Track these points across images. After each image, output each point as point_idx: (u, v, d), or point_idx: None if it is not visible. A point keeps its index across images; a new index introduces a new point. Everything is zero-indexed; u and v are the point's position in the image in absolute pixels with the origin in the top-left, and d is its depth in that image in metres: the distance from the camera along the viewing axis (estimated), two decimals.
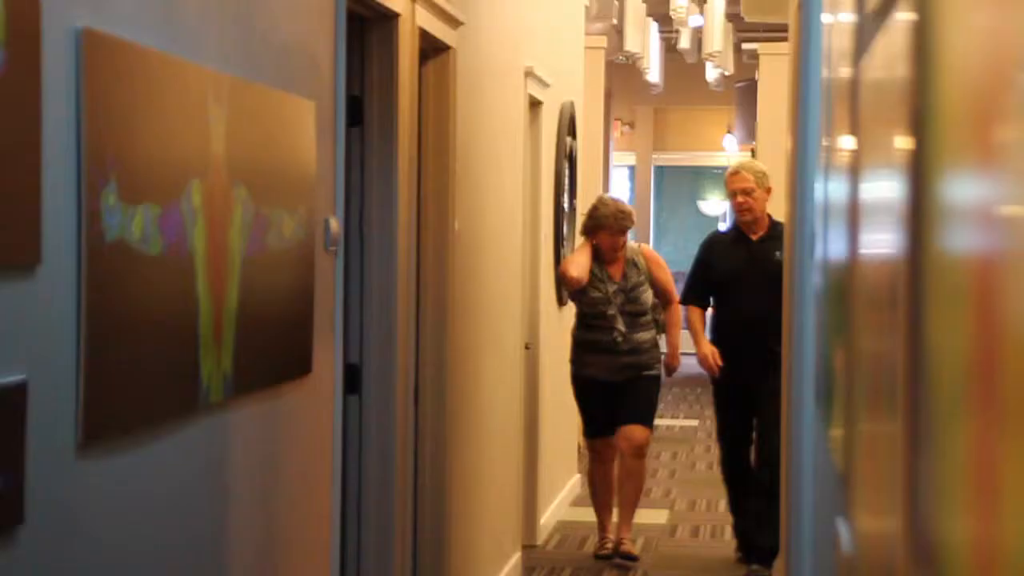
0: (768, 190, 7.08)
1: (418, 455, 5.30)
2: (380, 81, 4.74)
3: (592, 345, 7.35)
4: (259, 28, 3.50)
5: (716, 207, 20.38)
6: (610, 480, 7.53)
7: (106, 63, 2.59)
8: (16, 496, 2.29)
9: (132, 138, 2.70)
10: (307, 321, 3.82)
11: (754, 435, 7.19)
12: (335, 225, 4.10)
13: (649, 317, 7.36)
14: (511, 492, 6.83)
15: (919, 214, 1.33)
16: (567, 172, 8.73)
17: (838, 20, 2.82)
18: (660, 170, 20.00)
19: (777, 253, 6.72)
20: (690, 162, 20.22)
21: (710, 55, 12.47)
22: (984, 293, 0.99)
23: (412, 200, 5.03)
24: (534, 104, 7.75)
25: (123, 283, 2.68)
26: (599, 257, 7.37)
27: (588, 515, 7.90)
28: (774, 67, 12.11)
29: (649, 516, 8.48)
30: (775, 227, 7.00)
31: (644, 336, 7.36)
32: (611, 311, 7.28)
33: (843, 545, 2.20)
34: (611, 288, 7.32)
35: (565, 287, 7.73)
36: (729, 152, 19.55)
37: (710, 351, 7.07)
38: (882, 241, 1.71)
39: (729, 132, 19.08)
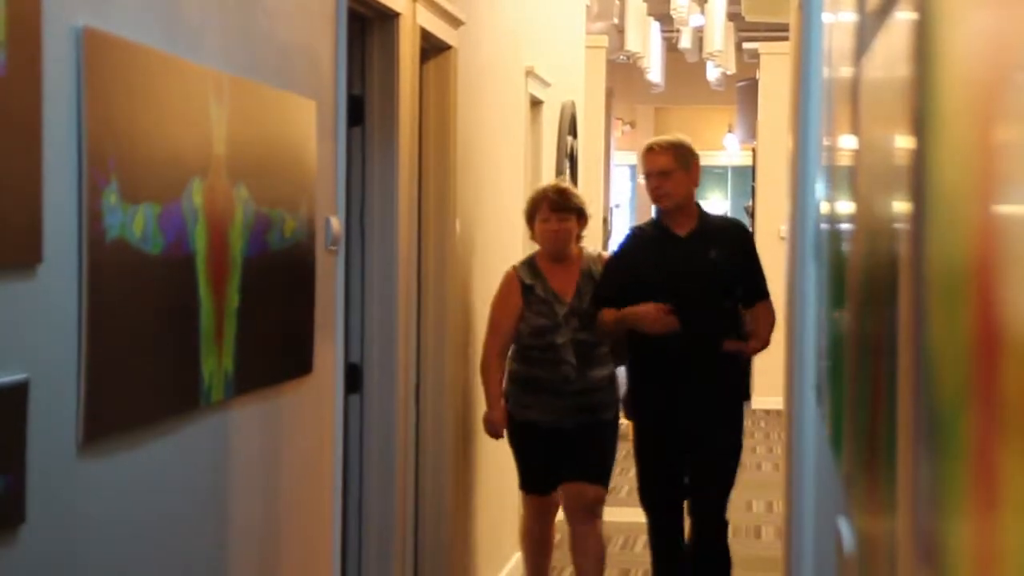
0: (692, 170, 5.50)
1: (419, 454, 5.30)
2: (381, 80, 4.74)
3: (534, 383, 5.65)
4: (260, 27, 3.50)
5: (719, 207, 20.37)
6: (549, 541, 5.99)
7: (107, 62, 2.59)
8: (18, 495, 2.29)
9: (133, 137, 2.70)
10: (308, 320, 3.82)
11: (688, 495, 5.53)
12: (336, 224, 4.10)
13: (606, 347, 5.66)
14: (511, 492, 6.84)
15: (920, 213, 1.33)
16: (568, 171, 8.73)
17: (839, 19, 2.82)
18: None
19: (712, 252, 5.39)
20: None
21: (711, 54, 12.47)
22: (984, 293, 0.99)
23: (413, 199, 5.03)
24: (535, 103, 7.75)
25: (124, 282, 2.68)
26: (539, 273, 5.69)
27: None
28: (775, 66, 12.11)
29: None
30: (707, 220, 5.53)
31: (601, 373, 5.69)
32: (560, 340, 5.61)
33: (844, 545, 2.20)
34: (560, 311, 5.64)
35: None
36: (730, 151, 19.55)
37: (654, 306, 5.31)
38: (882, 241, 1.71)
39: (730, 131, 19.09)
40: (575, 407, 5.64)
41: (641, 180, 5.87)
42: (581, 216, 5.76)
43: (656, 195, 5.49)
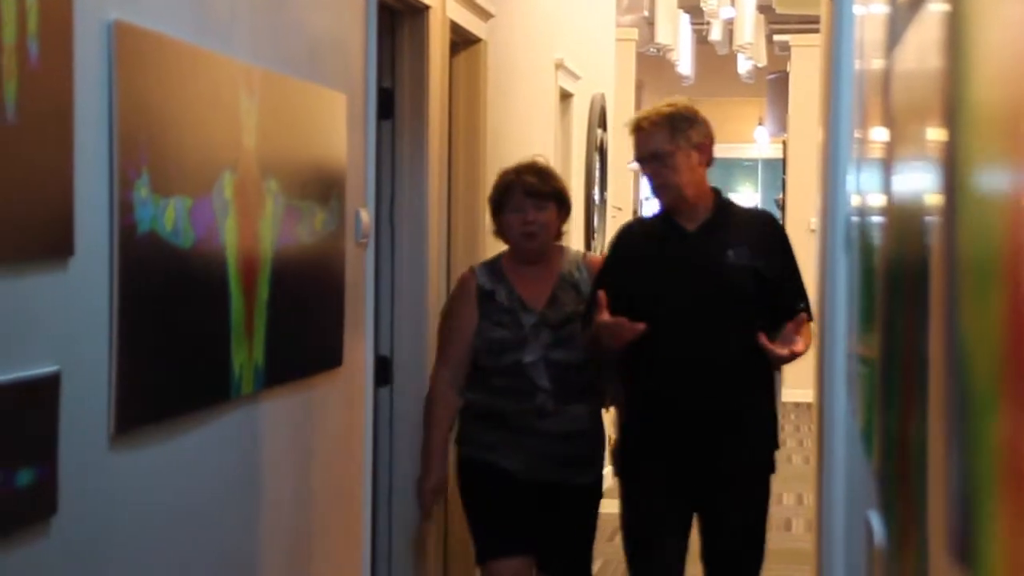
0: (698, 145, 4.05)
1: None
2: (411, 73, 4.74)
3: (498, 418, 4.22)
4: (290, 20, 3.51)
5: (749, 200, 20.33)
6: None
7: (138, 56, 2.60)
8: (50, 486, 2.30)
9: (164, 131, 2.71)
10: (338, 313, 3.83)
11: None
12: (366, 217, 4.10)
13: (590, 371, 4.24)
14: None
15: (952, 206, 1.32)
16: (598, 165, 8.71)
17: (870, 11, 2.81)
18: None
19: (730, 252, 3.97)
20: (721, 154, 20.17)
21: (742, 47, 12.44)
22: (1017, 284, 0.98)
23: (443, 192, 5.03)
24: (565, 96, 7.74)
25: (155, 275, 2.68)
26: (502, 277, 4.33)
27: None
28: (806, 58, 12.07)
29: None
30: (726, 210, 4.11)
31: (582, 408, 4.24)
32: (528, 358, 4.20)
33: (875, 538, 2.19)
34: (527, 320, 4.24)
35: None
36: (761, 144, 19.50)
37: (612, 320, 3.88)
38: (914, 233, 1.70)
39: (760, 124, 19.03)
40: (553, 456, 4.19)
41: None
42: (562, 205, 4.35)
43: (652, 186, 4.10)
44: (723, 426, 3.98)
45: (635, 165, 4.36)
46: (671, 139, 4.01)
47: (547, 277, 4.32)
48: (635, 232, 4.30)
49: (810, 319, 4.00)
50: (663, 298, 3.98)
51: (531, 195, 4.27)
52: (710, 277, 3.98)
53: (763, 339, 3.86)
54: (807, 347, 4.00)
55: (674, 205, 4.05)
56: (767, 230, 4.16)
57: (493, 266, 4.40)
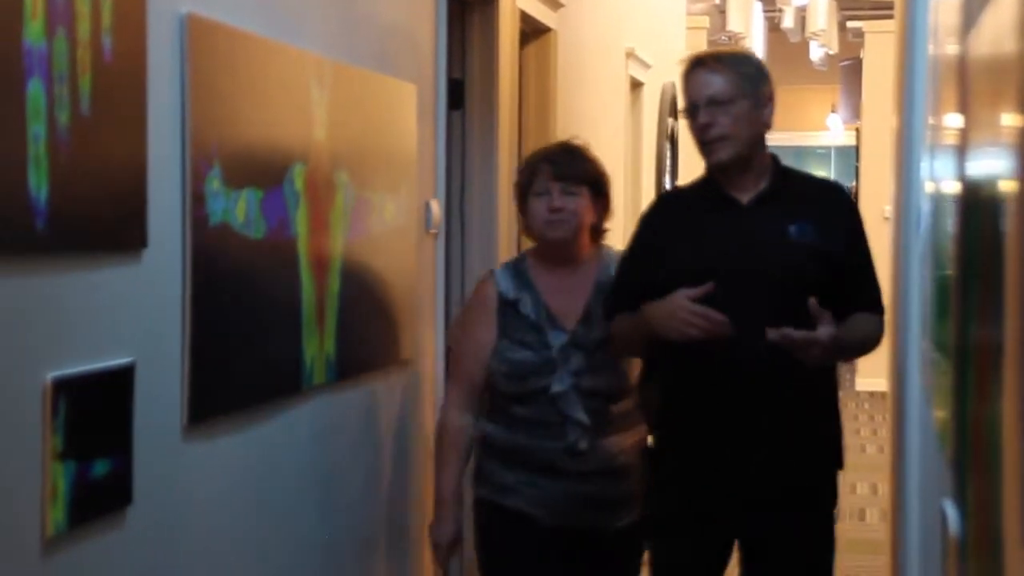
0: (764, 103, 3.31)
1: None
2: (481, 64, 4.74)
3: (520, 455, 3.49)
4: (360, 12, 3.52)
5: None
6: None
7: (210, 48, 2.62)
8: (125, 477, 2.32)
9: (235, 123, 2.73)
10: (408, 304, 3.84)
11: None
12: (436, 208, 4.11)
13: (631, 401, 3.51)
14: None
15: None
16: (669, 154, 8.68)
17: None
18: None
19: (792, 228, 3.27)
20: (794, 142, 20.05)
21: (814, 34, 12.34)
22: None
23: (513, 183, 5.03)
24: (635, 85, 7.71)
25: (227, 267, 2.70)
26: (527, 282, 3.57)
27: None
28: (879, 45, 11.96)
29: None
30: (787, 179, 3.36)
31: (624, 441, 3.51)
32: (557, 387, 3.46)
33: (950, 528, 2.17)
34: (556, 341, 3.50)
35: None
36: (834, 132, 19.36)
37: (686, 293, 3.17)
38: (989, 221, 1.68)
39: (833, 111, 18.89)
40: (586, 498, 3.47)
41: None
42: (599, 193, 3.57)
43: (705, 137, 3.27)
44: (776, 443, 3.22)
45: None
46: (735, 84, 3.27)
47: (581, 286, 3.55)
48: (673, 203, 3.56)
49: (881, 311, 3.36)
50: (705, 280, 3.18)
51: (559, 178, 3.51)
52: (767, 259, 3.23)
53: (772, 334, 3.10)
54: (866, 339, 3.31)
55: (730, 164, 3.27)
56: (836, 204, 3.38)
57: (517, 268, 3.60)
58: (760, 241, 3.27)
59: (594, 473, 3.47)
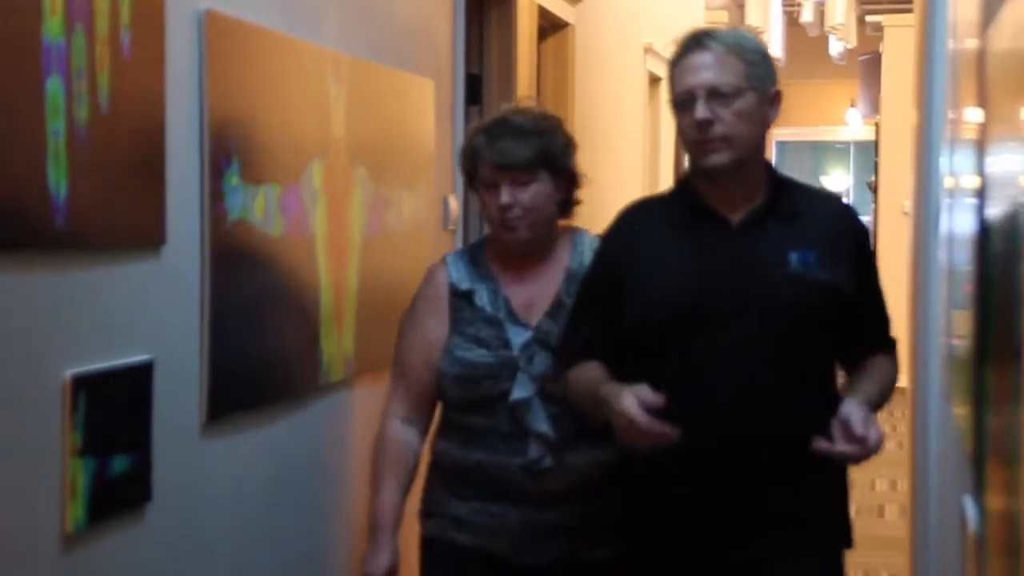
0: (768, 98, 2.68)
1: None
2: (499, 59, 4.74)
3: (474, 476, 2.93)
4: (378, 8, 3.52)
5: (840, 182, 20.15)
6: None
7: (228, 44, 2.62)
8: (144, 474, 2.33)
9: (253, 119, 2.73)
10: None
11: None
12: (454, 204, 4.11)
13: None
14: None
15: None
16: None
17: None
18: (781, 145, 19.80)
19: (793, 256, 2.66)
20: (813, 136, 20.01)
21: (833, 28, 12.31)
22: None
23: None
24: (654, 80, 7.70)
25: (245, 263, 2.71)
26: (485, 271, 3.00)
27: None
28: (899, 39, 11.91)
29: None
30: (785, 192, 2.74)
31: (589, 457, 2.89)
32: (519, 394, 2.88)
33: (970, 524, 2.16)
34: (517, 338, 2.92)
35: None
36: (853, 126, 19.32)
37: (636, 402, 2.50)
38: (1010, 216, 1.67)
39: (852, 106, 18.84)
40: (554, 527, 2.89)
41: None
42: (558, 170, 2.95)
43: (704, 136, 2.65)
44: (776, 499, 2.66)
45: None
46: (740, 72, 2.65)
47: (549, 275, 2.97)
48: (640, 220, 2.81)
49: (894, 347, 2.84)
50: (691, 321, 2.64)
51: (504, 167, 2.89)
52: (764, 293, 2.64)
53: (821, 445, 2.53)
54: (880, 404, 2.73)
55: (724, 172, 2.66)
56: (844, 226, 2.77)
57: (474, 255, 3.04)
58: (757, 273, 2.65)
59: (559, 497, 2.87)
